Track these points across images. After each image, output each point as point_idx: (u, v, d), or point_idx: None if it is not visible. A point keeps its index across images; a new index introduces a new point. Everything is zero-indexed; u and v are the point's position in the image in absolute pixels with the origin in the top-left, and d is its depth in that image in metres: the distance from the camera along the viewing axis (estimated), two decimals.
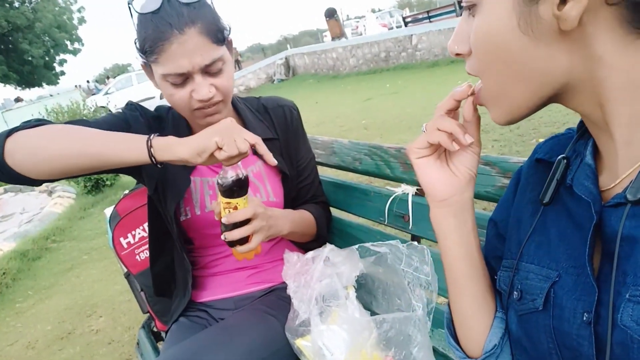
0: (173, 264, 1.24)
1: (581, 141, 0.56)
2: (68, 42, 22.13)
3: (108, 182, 6.00)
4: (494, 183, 0.89)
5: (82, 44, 22.95)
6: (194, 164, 0.87)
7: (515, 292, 0.57)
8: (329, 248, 1.08)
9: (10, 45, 19.99)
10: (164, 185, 1.11)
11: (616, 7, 0.41)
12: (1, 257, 4.15)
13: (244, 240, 0.95)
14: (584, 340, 0.47)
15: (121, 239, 1.45)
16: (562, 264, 0.52)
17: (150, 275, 1.31)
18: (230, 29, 1.03)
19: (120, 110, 1.12)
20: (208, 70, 0.96)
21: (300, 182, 1.22)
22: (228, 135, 0.85)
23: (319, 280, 1.03)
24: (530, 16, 0.44)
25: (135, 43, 0.98)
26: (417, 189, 1.08)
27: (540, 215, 0.56)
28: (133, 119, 1.09)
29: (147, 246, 1.45)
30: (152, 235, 1.21)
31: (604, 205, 0.48)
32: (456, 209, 0.63)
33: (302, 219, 1.16)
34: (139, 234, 1.47)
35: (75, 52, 22.89)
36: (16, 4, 19.61)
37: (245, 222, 0.94)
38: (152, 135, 0.89)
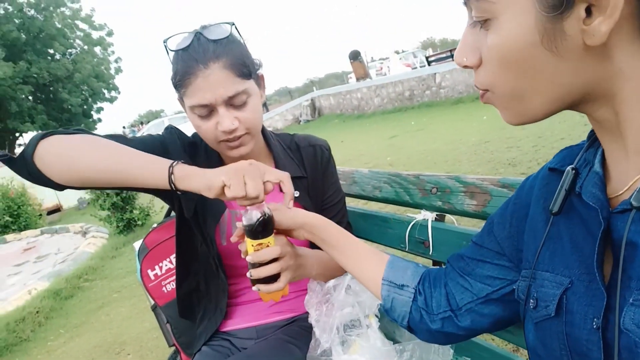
0: (198, 288, 1.25)
1: (591, 150, 0.57)
2: (105, 91, 23.15)
3: (140, 222, 6.15)
4: None
5: (119, 92, 24.00)
6: (209, 196, 0.87)
7: (531, 301, 0.58)
8: (350, 276, 1.07)
9: (50, 95, 21.06)
10: (203, 207, 1.13)
11: (635, 18, 0.42)
12: (35, 296, 4.25)
13: (269, 280, 0.92)
14: (593, 345, 0.47)
15: (149, 271, 1.48)
16: (575, 270, 0.52)
17: (175, 306, 1.33)
18: (260, 64, 1.08)
19: (160, 134, 1.15)
20: (232, 103, 1.00)
21: None
22: (238, 177, 0.83)
23: (340, 309, 1.03)
24: (554, 32, 0.43)
25: (171, 79, 1.05)
26: (436, 215, 1.09)
27: (552, 224, 0.57)
28: (171, 142, 1.12)
29: (173, 277, 1.48)
30: (179, 258, 1.22)
31: (611, 211, 0.48)
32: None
33: (331, 259, 1.16)
34: (166, 265, 1.50)
35: (112, 100, 23.91)
36: (57, 56, 20.83)
37: (272, 260, 0.91)
38: (176, 162, 0.90)
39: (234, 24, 1.04)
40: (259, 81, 1.09)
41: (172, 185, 0.88)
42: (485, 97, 0.54)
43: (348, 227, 1.24)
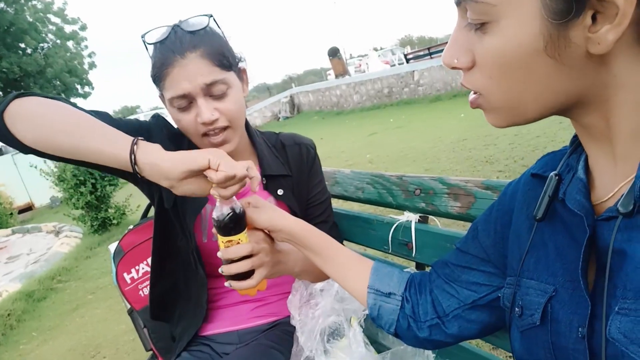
0: (176, 287, 1.21)
1: (574, 156, 0.56)
2: (79, 87, 22.62)
3: (115, 221, 6.03)
4: None
5: (92, 88, 23.47)
6: (174, 187, 0.81)
7: (516, 309, 0.57)
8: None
9: (21, 90, 20.51)
10: (183, 198, 1.08)
11: (632, 27, 0.41)
12: (7, 298, 4.12)
13: (243, 276, 0.89)
14: (580, 354, 0.47)
15: (125, 275, 1.44)
16: (559, 278, 0.52)
17: None
18: (242, 58, 1.06)
19: (147, 120, 1.11)
20: (210, 93, 0.97)
21: (310, 221, 1.20)
22: (223, 157, 0.79)
23: (326, 316, 1.01)
24: (559, 39, 0.43)
25: (150, 74, 1.02)
26: (419, 216, 1.08)
27: (535, 230, 0.56)
28: (156, 129, 1.08)
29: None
30: (156, 255, 1.17)
31: (597, 218, 0.48)
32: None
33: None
34: (143, 268, 1.46)
35: (85, 96, 23.37)
36: (29, 51, 20.24)
37: (245, 257, 0.88)
38: (139, 138, 0.83)
39: (211, 16, 1.02)
40: (241, 75, 1.07)
41: (133, 158, 0.80)
42: (477, 102, 0.52)
43: (334, 227, 1.22)
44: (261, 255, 0.88)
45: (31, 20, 20.09)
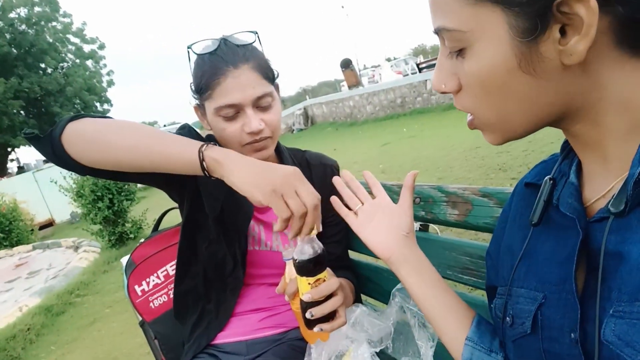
0: (195, 289, 1.22)
1: (566, 161, 0.57)
2: (97, 104, 23.14)
3: (132, 235, 6.11)
4: (492, 214, 0.89)
5: (111, 105, 24.00)
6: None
7: (507, 318, 0.57)
8: (360, 309, 1.02)
9: (42, 109, 21.02)
10: (235, 203, 1.09)
11: (610, 32, 0.42)
12: (26, 313, 4.20)
13: (327, 317, 0.84)
14: (574, 359, 0.46)
15: (136, 287, 1.47)
16: (547, 284, 0.52)
17: (163, 322, 1.32)
18: (278, 74, 1.11)
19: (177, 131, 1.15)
20: (258, 105, 1.02)
21: (324, 240, 1.18)
22: (277, 196, 0.79)
23: (341, 339, 0.97)
24: (531, 56, 0.43)
25: (191, 86, 1.06)
26: (420, 225, 1.09)
27: (530, 238, 0.57)
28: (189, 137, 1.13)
29: (161, 293, 1.47)
30: (180, 257, 1.20)
31: (589, 220, 0.48)
32: (398, 265, 0.74)
33: (352, 290, 1.14)
34: (154, 281, 1.49)
35: (104, 113, 23.82)
36: (49, 71, 20.80)
37: (329, 296, 0.85)
38: (208, 144, 0.86)
39: (257, 33, 1.07)
40: (277, 89, 1.12)
41: (203, 163, 0.83)
42: (473, 123, 0.54)
43: (346, 249, 1.25)
44: (341, 291, 0.88)
45: (51, 40, 20.70)
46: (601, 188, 0.49)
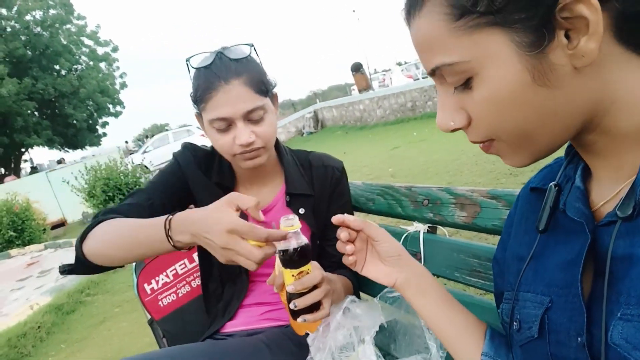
0: (216, 292, 1.27)
1: (571, 166, 0.57)
2: (110, 106, 23.34)
3: None
4: (500, 216, 0.89)
5: (124, 107, 24.20)
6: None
7: (514, 323, 0.57)
8: (349, 299, 1.03)
9: (56, 110, 21.27)
10: None
11: (610, 28, 0.42)
12: (37, 311, 4.25)
13: (311, 308, 0.89)
14: None
15: (145, 285, 1.49)
16: (554, 288, 0.51)
17: (171, 321, 1.34)
18: (275, 83, 1.13)
19: (174, 154, 1.21)
20: (250, 118, 1.05)
21: (325, 242, 1.22)
22: (229, 254, 0.81)
23: (336, 329, 1.01)
24: (542, 67, 0.43)
25: (191, 95, 1.10)
26: (428, 227, 1.09)
27: (537, 243, 0.56)
28: (184, 161, 1.18)
29: (170, 292, 1.49)
30: (203, 261, 1.28)
31: (597, 224, 0.48)
32: (403, 290, 0.76)
33: (347, 287, 1.15)
34: (163, 279, 1.50)
35: (117, 115, 24.09)
36: (63, 72, 21.06)
37: (312, 288, 0.89)
38: (169, 216, 0.88)
39: (252, 46, 1.10)
40: (274, 99, 1.14)
41: (170, 239, 0.87)
42: (492, 147, 0.53)
43: None
44: (325, 284, 0.91)
45: (65, 42, 20.97)
46: (608, 192, 0.49)
